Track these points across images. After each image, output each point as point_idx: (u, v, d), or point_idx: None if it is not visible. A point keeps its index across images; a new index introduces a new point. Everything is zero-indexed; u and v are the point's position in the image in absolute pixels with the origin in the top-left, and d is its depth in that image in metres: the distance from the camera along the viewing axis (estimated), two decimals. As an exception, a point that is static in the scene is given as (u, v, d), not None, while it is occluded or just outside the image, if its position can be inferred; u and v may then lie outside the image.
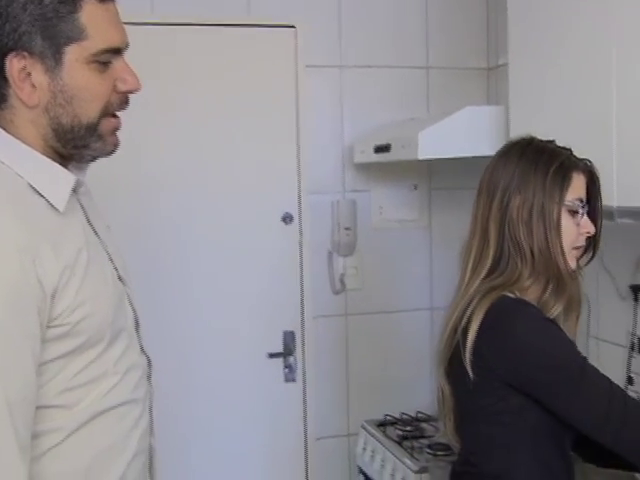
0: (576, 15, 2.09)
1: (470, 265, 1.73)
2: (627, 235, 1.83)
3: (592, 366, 1.61)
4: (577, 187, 1.70)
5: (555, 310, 1.70)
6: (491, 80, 3.19)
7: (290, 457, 3.10)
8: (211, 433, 3.00)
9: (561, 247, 1.67)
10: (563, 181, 1.67)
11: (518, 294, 1.67)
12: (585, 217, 1.71)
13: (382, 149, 2.71)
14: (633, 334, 2.50)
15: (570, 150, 1.74)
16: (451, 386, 1.77)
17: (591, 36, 2.02)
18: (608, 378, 1.61)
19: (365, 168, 3.12)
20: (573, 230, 1.70)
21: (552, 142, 1.75)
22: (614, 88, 1.94)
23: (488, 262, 1.70)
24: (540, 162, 1.68)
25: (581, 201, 1.70)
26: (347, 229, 3.08)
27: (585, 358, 1.62)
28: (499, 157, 1.76)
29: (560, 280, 1.68)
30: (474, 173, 3.14)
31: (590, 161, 1.74)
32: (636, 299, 2.46)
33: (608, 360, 2.63)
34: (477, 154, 2.54)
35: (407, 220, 3.20)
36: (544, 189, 1.66)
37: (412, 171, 3.17)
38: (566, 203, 1.68)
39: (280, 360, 3.08)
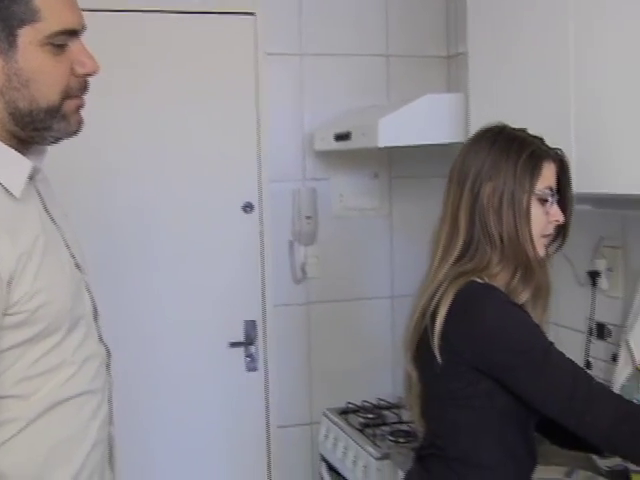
0: (533, 2, 2.10)
1: (440, 251, 1.73)
2: (585, 221, 1.85)
3: (557, 350, 1.62)
4: (547, 176, 1.71)
5: (523, 297, 1.71)
6: (451, 68, 3.20)
7: (252, 446, 3.10)
8: (172, 423, 2.99)
9: (530, 235, 1.68)
10: (533, 170, 1.68)
11: (487, 279, 1.68)
12: (555, 206, 1.72)
13: (342, 137, 2.71)
14: (591, 319, 2.54)
15: (541, 139, 1.74)
16: (419, 371, 1.77)
17: (548, 23, 2.04)
18: (573, 362, 1.62)
19: (325, 156, 3.11)
20: (542, 218, 1.71)
21: (524, 130, 1.75)
22: (572, 75, 1.96)
23: (457, 248, 1.70)
24: (511, 150, 1.68)
25: (551, 190, 1.71)
26: (308, 218, 3.08)
27: (551, 343, 1.63)
28: (471, 145, 1.76)
29: (528, 267, 1.69)
30: (434, 161, 3.20)
31: (561, 150, 1.75)
32: (594, 284, 2.49)
33: (567, 345, 2.62)
34: (437, 141, 2.55)
35: (368, 208, 3.20)
36: (515, 177, 1.67)
37: (373, 159, 3.18)
38: (536, 192, 1.69)
39: (241, 349, 3.07)
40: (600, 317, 2.53)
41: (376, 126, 2.47)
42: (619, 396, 1.62)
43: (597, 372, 2.56)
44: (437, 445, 1.74)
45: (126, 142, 2.90)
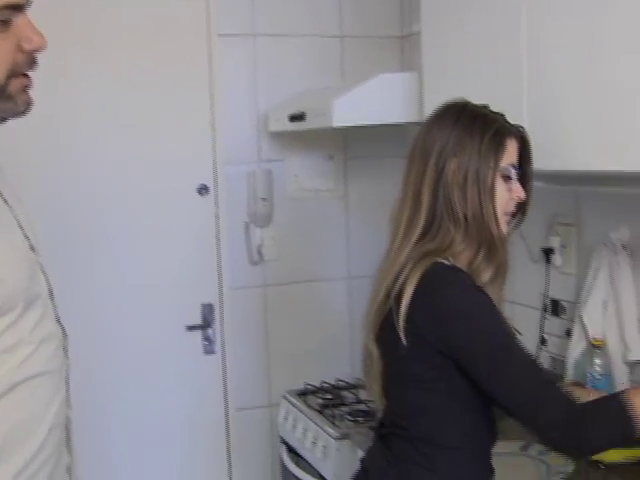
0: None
1: (402, 229, 1.71)
2: (538, 198, 1.86)
3: (519, 343, 1.61)
4: (510, 153, 1.71)
5: (485, 276, 1.70)
6: (405, 48, 3.20)
7: (211, 429, 3.09)
8: (130, 406, 2.97)
9: (494, 212, 1.68)
10: (498, 147, 1.68)
11: (452, 260, 1.67)
12: (517, 183, 1.73)
13: (297, 118, 2.70)
14: (545, 296, 2.57)
15: (503, 115, 1.75)
16: (381, 351, 1.76)
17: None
18: (532, 355, 1.63)
19: (280, 137, 3.10)
20: (505, 195, 1.71)
21: (486, 107, 1.76)
22: (524, 52, 1.97)
23: (420, 226, 1.69)
24: (475, 127, 1.68)
25: (514, 167, 1.72)
26: (263, 199, 3.07)
27: (513, 333, 1.62)
28: (433, 121, 1.75)
29: (492, 245, 1.69)
30: (389, 141, 3.20)
31: (522, 127, 1.76)
32: (548, 261, 2.52)
33: (522, 322, 2.67)
34: (392, 121, 2.55)
35: (323, 190, 3.20)
36: (479, 154, 1.67)
37: (327, 140, 3.17)
38: (500, 169, 1.69)
39: (199, 333, 3.06)
40: (554, 293, 2.56)
41: (330, 107, 2.47)
42: (571, 395, 1.59)
43: (552, 348, 2.60)
44: (399, 425, 1.74)
45: (78, 124, 2.86)
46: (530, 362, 1.60)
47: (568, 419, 1.54)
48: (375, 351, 1.77)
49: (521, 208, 1.79)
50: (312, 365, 3.15)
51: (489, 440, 1.75)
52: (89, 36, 2.84)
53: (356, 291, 3.19)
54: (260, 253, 3.11)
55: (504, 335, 1.60)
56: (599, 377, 2.22)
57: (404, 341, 1.63)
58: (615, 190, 2.01)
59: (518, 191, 1.73)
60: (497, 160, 1.68)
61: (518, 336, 1.63)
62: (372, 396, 1.87)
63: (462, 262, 1.70)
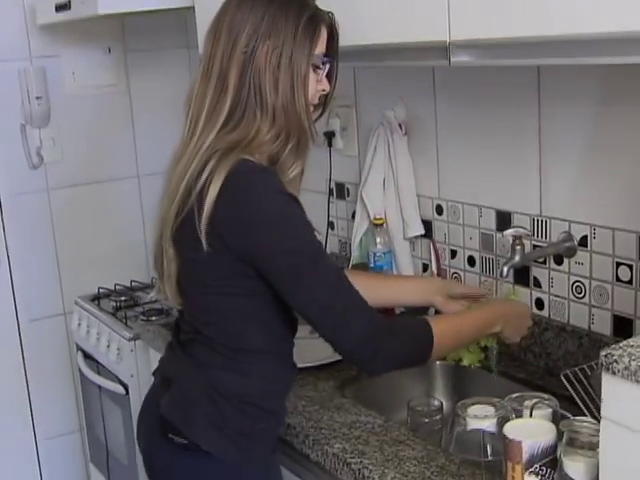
0: None
1: (204, 114, 1.57)
2: None
3: (326, 258, 1.56)
4: (322, 41, 1.61)
5: (293, 171, 1.61)
6: None
7: (3, 341, 2.94)
8: None
9: (306, 102, 1.58)
10: (313, 33, 1.57)
11: (258, 157, 1.55)
12: (324, 74, 1.63)
13: (62, 7, 2.52)
14: (330, 180, 2.57)
15: (314, 0, 1.64)
16: (177, 251, 1.62)
17: None
18: (338, 268, 1.57)
19: (52, 31, 2.89)
20: (314, 86, 1.61)
21: None
22: None
23: (225, 111, 1.55)
24: (291, 9, 1.56)
25: (325, 56, 1.62)
26: (38, 98, 2.87)
27: (320, 245, 1.56)
28: None
29: (303, 137, 1.59)
30: (170, 32, 3.08)
31: (333, 14, 1.65)
32: (330, 145, 2.52)
33: (311, 208, 2.66)
34: (165, 6, 2.41)
35: (104, 85, 3.04)
36: (295, 39, 1.55)
37: (105, 32, 2.99)
38: (313, 57, 1.58)
39: (-21, 244, 2.88)
40: (339, 177, 2.57)
41: (95, -8, 2.31)
42: (373, 313, 1.55)
43: (339, 231, 2.63)
44: (201, 331, 1.64)
45: None
46: (337, 277, 1.54)
47: (372, 332, 1.52)
48: (171, 250, 1.63)
49: (323, 100, 1.70)
50: (106, 269, 3.04)
51: (292, 339, 1.70)
52: None
53: (146, 190, 3.10)
54: (40, 155, 2.93)
55: (312, 249, 1.52)
56: (380, 254, 2.27)
57: (205, 245, 1.51)
58: (395, 64, 1.96)
59: (324, 84, 1.64)
60: (312, 47, 1.58)
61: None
62: (163, 296, 1.72)
63: (266, 155, 1.59)
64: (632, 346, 1.12)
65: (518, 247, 1.89)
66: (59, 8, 2.56)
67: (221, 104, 1.56)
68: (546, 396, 1.63)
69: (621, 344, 1.13)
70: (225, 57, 1.56)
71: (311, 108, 1.64)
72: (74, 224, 3.04)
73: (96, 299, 2.89)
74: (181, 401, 1.64)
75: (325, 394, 1.94)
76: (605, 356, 1.09)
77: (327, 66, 1.63)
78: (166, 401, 1.65)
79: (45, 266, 3.00)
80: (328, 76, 1.66)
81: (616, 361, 1.08)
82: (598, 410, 1.18)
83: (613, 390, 1.10)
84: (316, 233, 1.56)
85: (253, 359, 1.62)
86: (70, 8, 2.48)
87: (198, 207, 1.50)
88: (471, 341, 1.85)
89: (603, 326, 1.88)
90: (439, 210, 2.24)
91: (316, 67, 1.61)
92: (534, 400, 1.57)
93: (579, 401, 1.59)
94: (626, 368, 1.07)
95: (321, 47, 1.61)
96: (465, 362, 1.96)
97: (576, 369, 1.64)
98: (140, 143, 3.12)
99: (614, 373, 1.08)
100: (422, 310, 2.06)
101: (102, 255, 3.07)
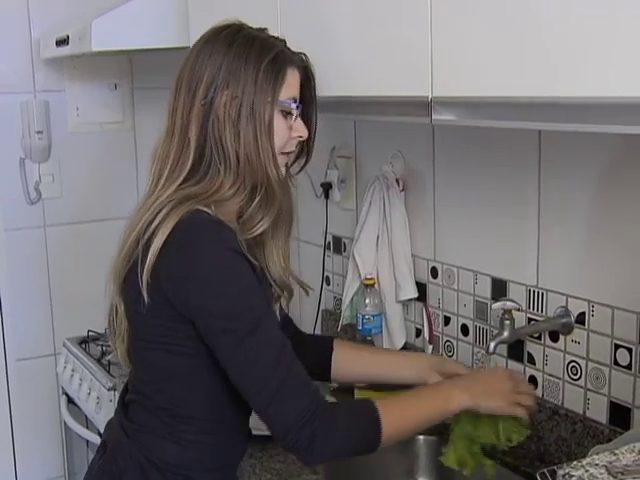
0: None
1: (167, 169, 1.48)
2: (319, 128, 1.69)
3: (269, 325, 1.42)
4: (291, 85, 1.50)
5: (261, 226, 1.50)
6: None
7: (-11, 382, 2.86)
8: None
9: (272, 152, 1.47)
10: (277, 77, 1.47)
11: (214, 209, 1.44)
12: (299, 119, 1.53)
13: (62, 42, 2.46)
14: (327, 233, 2.45)
15: (284, 41, 1.54)
16: (125, 306, 1.53)
17: None
18: (282, 342, 1.42)
19: (58, 65, 2.85)
20: (285, 134, 1.50)
21: (264, 30, 1.54)
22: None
23: (187, 166, 1.46)
24: (252, 54, 1.46)
25: (295, 101, 1.52)
26: (39, 132, 2.81)
27: (266, 313, 1.43)
28: (202, 46, 1.51)
29: (269, 189, 1.48)
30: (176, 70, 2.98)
31: (305, 55, 1.55)
32: (327, 196, 2.40)
33: (307, 261, 2.58)
34: (160, 45, 2.34)
35: (108, 122, 2.97)
36: (256, 85, 1.45)
37: (111, 68, 2.94)
38: (279, 103, 1.48)
39: (-30, 278, 2.81)
40: (336, 230, 2.45)
41: (90, 28, 2.24)
42: (314, 394, 1.41)
43: (335, 287, 2.50)
44: (142, 392, 1.54)
45: None
46: (278, 348, 1.40)
47: (310, 415, 1.37)
48: (120, 305, 1.54)
49: (304, 148, 1.60)
50: (98, 310, 2.91)
51: (243, 406, 1.52)
52: None
53: (147, 231, 3.00)
54: (38, 190, 2.86)
55: (252, 316, 1.39)
56: (369, 317, 2.13)
57: (146, 298, 1.41)
58: (393, 119, 1.85)
59: (300, 129, 1.53)
60: (275, 92, 1.47)
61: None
62: (117, 357, 1.63)
63: (232, 210, 1.50)
64: (596, 465, 0.97)
65: (507, 322, 1.74)
66: (59, 43, 2.50)
67: (184, 160, 1.47)
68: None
69: (584, 461, 0.98)
70: (185, 110, 1.48)
71: (283, 158, 1.53)
72: (70, 262, 2.96)
73: (84, 342, 2.79)
74: (111, 469, 1.53)
75: (294, 468, 1.80)
76: (563, 476, 0.95)
77: (299, 111, 1.52)
78: (98, 467, 1.56)
79: (37, 304, 2.93)
80: (307, 121, 1.55)
81: (574, 483, 0.94)
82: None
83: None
84: (264, 300, 1.44)
85: (194, 427, 1.50)
86: (68, 44, 2.42)
87: (142, 257, 1.41)
88: (431, 420, 1.55)
89: (599, 412, 1.72)
90: (434, 273, 2.11)
91: (286, 113, 1.50)
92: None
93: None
94: (584, 493, 0.92)
95: (290, 91, 1.50)
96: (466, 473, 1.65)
97: (554, 468, 1.48)
98: (143, 182, 3.00)
99: (572, 497, 0.94)
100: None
101: (95, 295, 2.94)
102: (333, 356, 1.71)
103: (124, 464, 1.51)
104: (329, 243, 2.47)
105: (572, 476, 0.94)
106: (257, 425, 1.56)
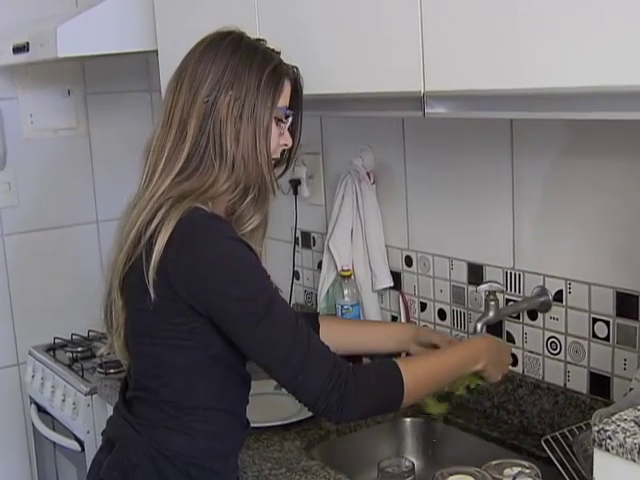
0: None
1: (162, 161, 1.53)
2: None
3: (281, 303, 1.49)
4: (286, 95, 1.59)
5: (250, 224, 1.57)
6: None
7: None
8: None
9: (268, 154, 1.55)
10: (277, 86, 1.55)
11: (211, 205, 1.49)
12: (287, 128, 1.60)
13: (20, 49, 2.44)
14: (296, 229, 2.51)
15: (279, 53, 1.61)
16: (124, 301, 1.57)
17: None
18: (296, 317, 1.49)
19: (9, 72, 2.82)
20: (275, 140, 1.58)
21: (263, 41, 1.61)
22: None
23: (182, 159, 1.52)
24: (255, 61, 1.53)
25: (287, 110, 1.59)
26: (-7, 141, 2.79)
27: (275, 292, 1.49)
28: (206, 49, 1.56)
29: (263, 190, 1.56)
30: (131, 75, 3.01)
31: (297, 68, 1.63)
32: (296, 193, 2.45)
33: (276, 258, 2.60)
34: (126, 50, 2.35)
35: (63, 128, 2.96)
36: (258, 91, 1.52)
37: (64, 74, 2.93)
38: (276, 110, 1.55)
39: None
40: (304, 225, 2.50)
41: (54, 34, 2.24)
42: (336, 360, 1.49)
43: (305, 281, 2.56)
44: (146, 387, 1.57)
45: None
46: (293, 321, 1.47)
47: (335, 380, 1.45)
48: (119, 300, 1.57)
49: (285, 156, 1.66)
50: (63, 317, 2.93)
51: (244, 396, 1.63)
52: None
53: (106, 236, 2.99)
54: (-6, 200, 2.84)
55: (266, 295, 1.46)
56: (348, 307, 2.20)
57: (152, 295, 1.46)
58: (361, 114, 1.91)
59: (286, 138, 1.60)
60: (275, 100, 1.55)
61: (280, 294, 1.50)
62: (113, 351, 1.66)
63: (223, 206, 1.55)
64: (625, 420, 1.05)
65: (492, 302, 1.83)
66: (17, 50, 2.48)
67: (178, 152, 1.53)
68: (527, 464, 1.55)
69: (614, 417, 1.07)
70: (186, 106, 1.53)
71: (272, 161, 1.60)
72: (30, 271, 2.94)
73: (51, 349, 2.78)
74: (122, 464, 1.56)
75: (292, 455, 1.85)
76: (598, 432, 1.03)
77: (290, 120, 1.60)
78: (107, 464, 1.58)
79: (-2, 315, 2.90)
80: (292, 131, 1.63)
81: (610, 437, 1.01)
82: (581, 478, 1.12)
83: (606, 468, 1.03)
84: (270, 279, 1.50)
85: (200, 417, 1.55)
86: (28, 50, 2.41)
87: (147, 255, 1.46)
88: (450, 381, 1.69)
89: (579, 384, 1.82)
90: (408, 261, 2.18)
91: (279, 120, 1.58)
92: (515, 470, 1.50)
93: (562, 471, 1.52)
94: (621, 445, 1.00)
95: (284, 100, 1.59)
96: (430, 411, 1.88)
97: (557, 434, 1.57)
98: (99, 188, 3.04)
99: (607, 450, 1.02)
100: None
101: (58, 303, 2.97)
102: (320, 332, 1.76)
103: (136, 458, 1.54)
104: (297, 238, 2.53)
105: (607, 430, 1.02)
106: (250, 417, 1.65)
